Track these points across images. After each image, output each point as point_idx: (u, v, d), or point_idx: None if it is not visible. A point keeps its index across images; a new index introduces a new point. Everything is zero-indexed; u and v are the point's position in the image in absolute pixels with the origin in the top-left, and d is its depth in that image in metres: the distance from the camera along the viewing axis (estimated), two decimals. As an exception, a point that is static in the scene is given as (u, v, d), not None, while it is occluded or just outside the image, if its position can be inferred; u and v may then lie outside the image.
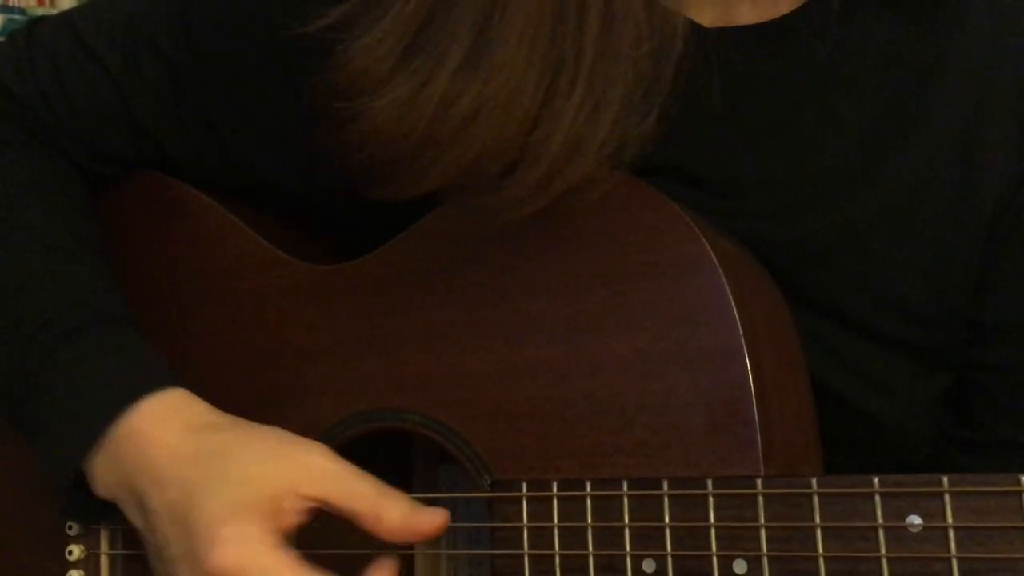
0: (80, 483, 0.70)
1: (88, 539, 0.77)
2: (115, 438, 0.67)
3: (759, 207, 0.68)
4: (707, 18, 0.68)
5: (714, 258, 0.60)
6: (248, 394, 0.71)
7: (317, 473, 0.64)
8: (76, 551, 0.77)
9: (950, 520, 0.52)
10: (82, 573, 0.77)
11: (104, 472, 0.68)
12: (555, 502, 0.62)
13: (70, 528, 0.78)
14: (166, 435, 0.67)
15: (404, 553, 0.69)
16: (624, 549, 0.59)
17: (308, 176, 0.74)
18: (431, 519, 0.64)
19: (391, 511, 0.64)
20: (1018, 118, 0.67)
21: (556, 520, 0.62)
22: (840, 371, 0.68)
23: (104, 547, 0.77)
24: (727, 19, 0.68)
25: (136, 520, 0.69)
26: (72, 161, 0.80)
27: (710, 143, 0.68)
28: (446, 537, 0.74)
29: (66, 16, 0.81)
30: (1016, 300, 0.68)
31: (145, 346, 0.72)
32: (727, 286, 0.60)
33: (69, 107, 0.79)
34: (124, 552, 0.76)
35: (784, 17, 0.68)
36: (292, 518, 0.64)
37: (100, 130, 0.79)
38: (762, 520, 0.56)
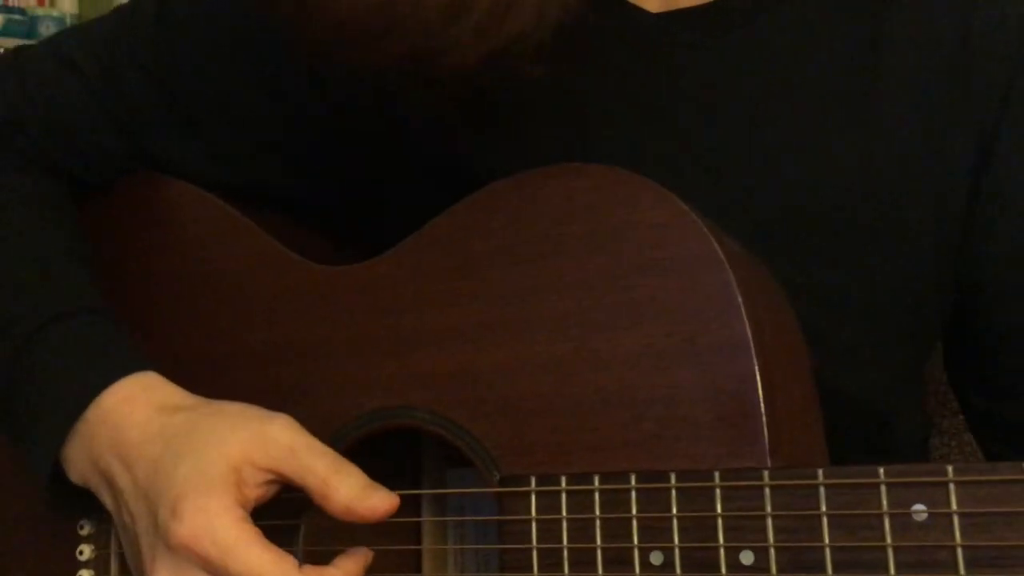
0: (60, 473, 0.71)
1: (99, 539, 0.78)
2: (88, 421, 0.69)
3: (712, 187, 0.69)
4: (653, 4, 0.70)
5: (721, 254, 0.61)
6: (258, 393, 0.72)
7: (271, 445, 0.65)
8: (87, 551, 0.78)
9: (955, 508, 0.53)
10: (93, 573, 0.78)
11: (77, 456, 0.69)
12: (563, 496, 0.62)
13: (81, 528, 0.78)
14: (135, 415, 0.68)
15: (412, 548, 0.69)
16: (632, 541, 0.60)
17: (299, 168, 0.76)
18: (377, 503, 0.64)
19: (339, 490, 0.64)
20: (963, 86, 0.69)
21: (564, 513, 0.62)
22: (827, 356, 0.68)
23: (115, 546, 0.77)
24: (671, 3, 0.70)
25: (108, 502, 0.70)
26: (63, 173, 0.83)
27: (659, 124, 0.70)
28: (453, 532, 0.74)
29: (52, 39, 0.85)
30: (1013, 260, 0.69)
31: (116, 332, 0.73)
32: (734, 282, 0.61)
33: (56, 118, 0.81)
34: (134, 552, 0.77)
35: None
36: (252, 490, 0.65)
37: (87, 137, 0.82)
38: (768, 510, 0.57)
